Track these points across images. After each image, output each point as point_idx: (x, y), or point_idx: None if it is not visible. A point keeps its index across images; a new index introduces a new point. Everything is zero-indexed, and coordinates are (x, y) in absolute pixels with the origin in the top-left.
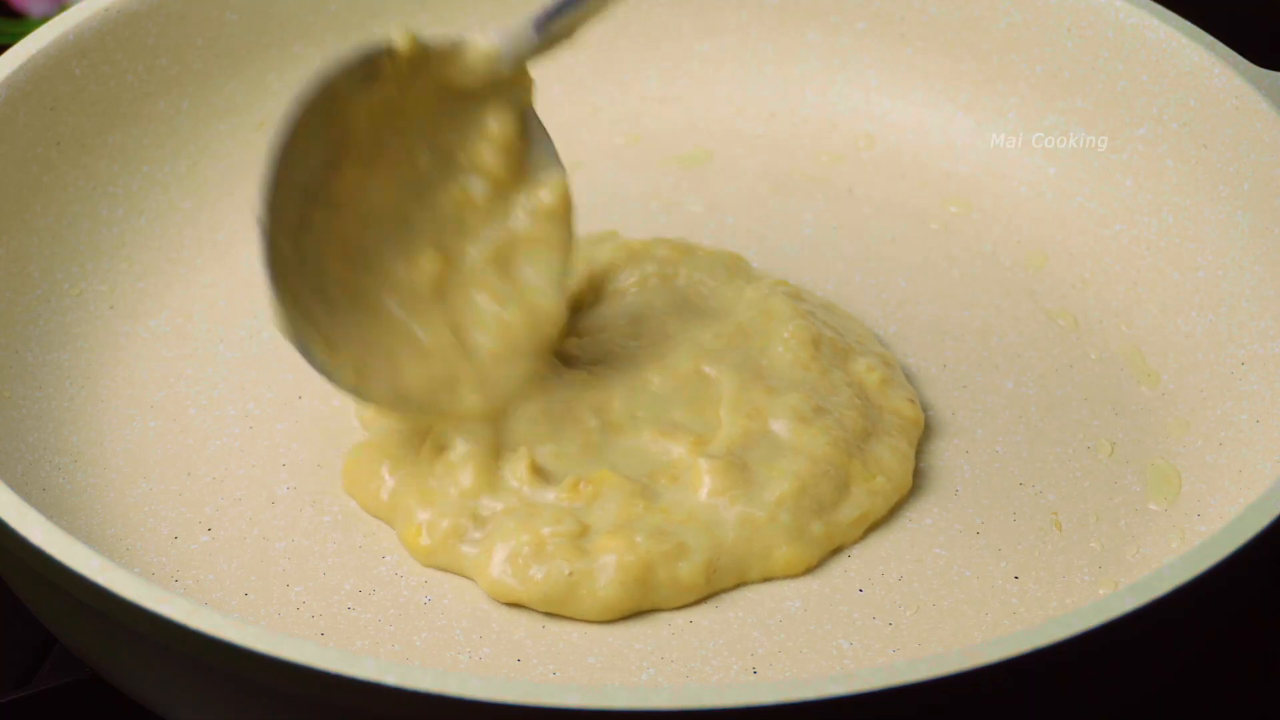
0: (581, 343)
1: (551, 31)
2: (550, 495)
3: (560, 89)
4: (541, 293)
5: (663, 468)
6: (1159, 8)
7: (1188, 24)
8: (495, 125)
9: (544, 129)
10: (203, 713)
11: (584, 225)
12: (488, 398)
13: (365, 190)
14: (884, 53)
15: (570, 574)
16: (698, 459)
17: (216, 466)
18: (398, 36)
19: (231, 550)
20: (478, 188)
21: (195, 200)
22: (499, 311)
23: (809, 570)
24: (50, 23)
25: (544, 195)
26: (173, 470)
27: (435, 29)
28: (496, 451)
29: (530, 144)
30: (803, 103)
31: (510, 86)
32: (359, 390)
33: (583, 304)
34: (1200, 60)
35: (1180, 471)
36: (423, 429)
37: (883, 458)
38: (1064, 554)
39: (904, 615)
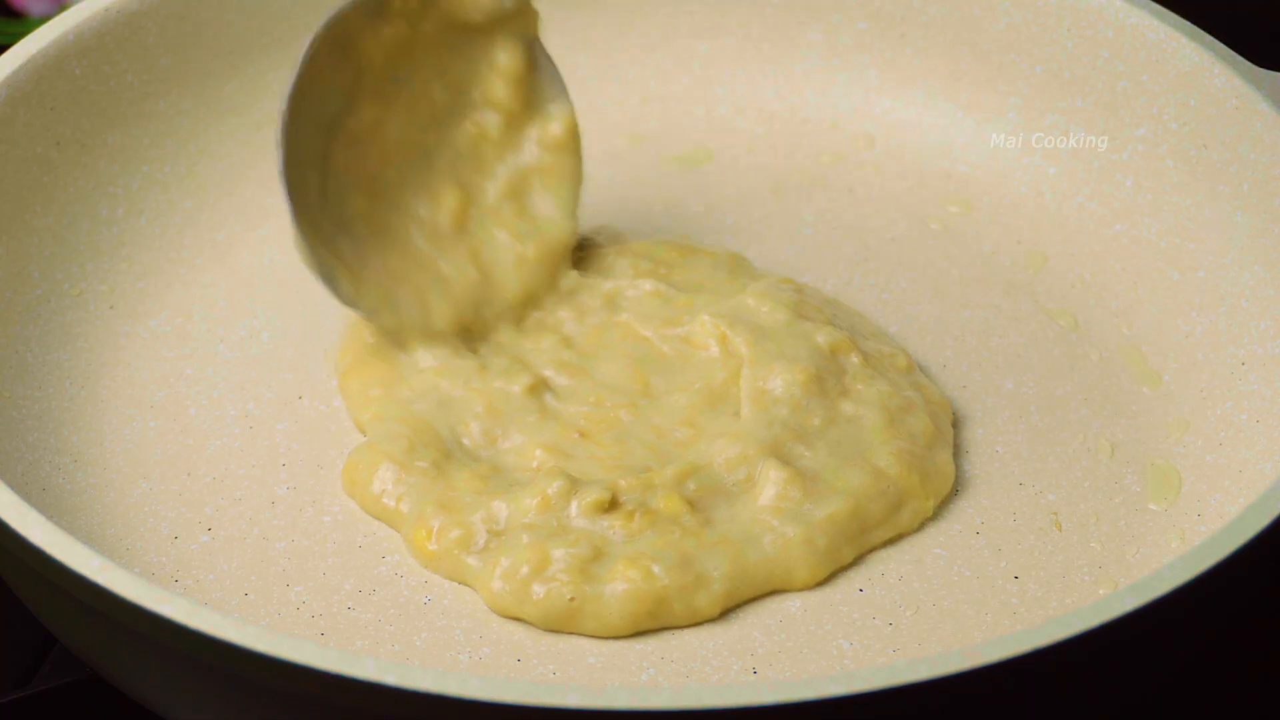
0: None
1: None
2: (604, 523)
3: None
4: (555, 223)
5: (735, 463)
6: (1159, 8)
7: (1188, 24)
8: (504, 58)
9: (551, 61)
10: (203, 713)
11: (584, 225)
12: (513, 322)
13: (384, 126)
14: (885, 52)
15: (571, 599)
16: (769, 465)
17: (216, 466)
18: None
19: (231, 550)
20: (491, 121)
21: (195, 200)
22: (519, 248)
23: (818, 585)
24: (50, 23)
25: (553, 127)
26: (173, 470)
27: None
28: (575, 485)
29: (538, 76)
30: (803, 103)
31: (516, 19)
32: (375, 317)
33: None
34: (1200, 60)
35: (1180, 471)
36: (427, 435)
37: (944, 469)
38: (1064, 554)
39: (904, 615)
